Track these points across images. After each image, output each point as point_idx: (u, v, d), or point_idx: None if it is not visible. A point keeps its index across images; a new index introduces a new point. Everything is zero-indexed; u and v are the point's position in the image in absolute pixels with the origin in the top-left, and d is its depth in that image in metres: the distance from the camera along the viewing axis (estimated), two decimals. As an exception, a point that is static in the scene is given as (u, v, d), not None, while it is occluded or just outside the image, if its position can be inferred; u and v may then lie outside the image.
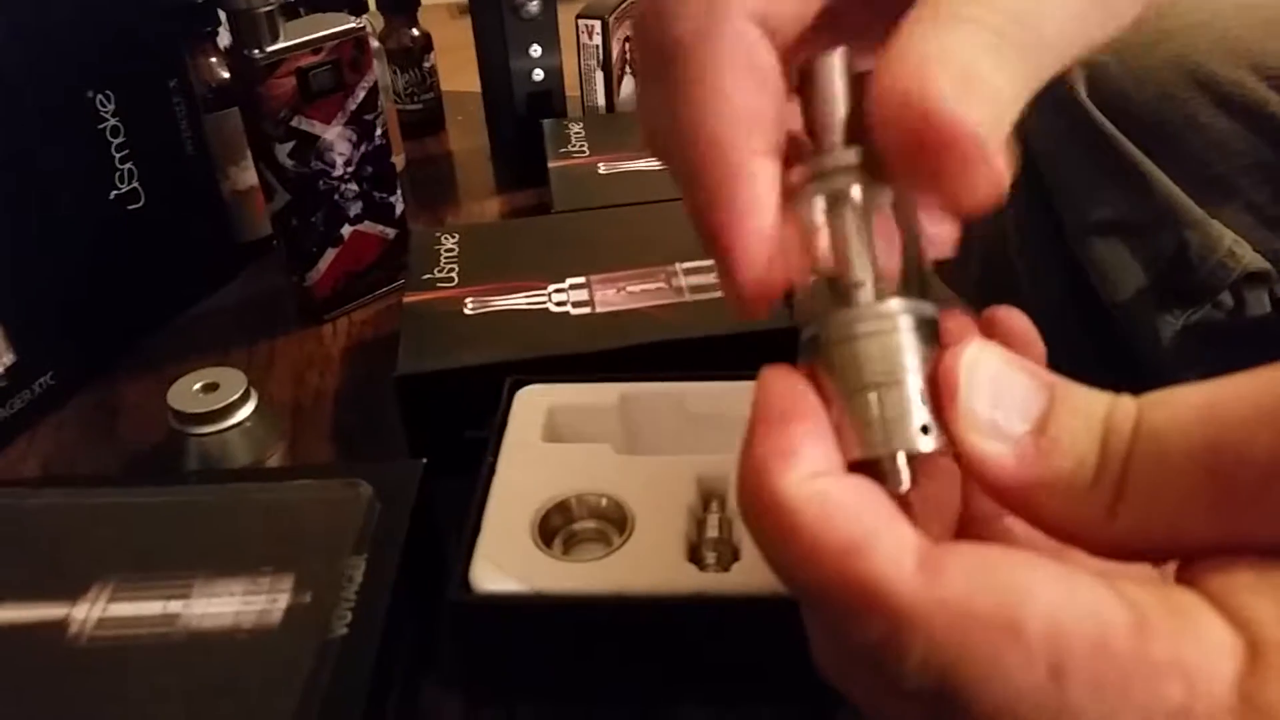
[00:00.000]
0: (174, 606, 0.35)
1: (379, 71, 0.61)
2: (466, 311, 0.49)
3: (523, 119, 0.73)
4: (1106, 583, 0.17)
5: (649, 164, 0.66)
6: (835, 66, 0.21)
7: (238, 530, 0.38)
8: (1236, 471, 0.17)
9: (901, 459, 0.20)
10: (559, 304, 0.49)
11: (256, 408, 0.50)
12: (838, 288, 0.21)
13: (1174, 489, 0.18)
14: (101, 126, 0.55)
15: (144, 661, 0.33)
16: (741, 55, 0.21)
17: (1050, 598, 0.17)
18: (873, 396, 0.20)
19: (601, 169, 0.67)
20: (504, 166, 0.78)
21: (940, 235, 0.23)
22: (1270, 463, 0.17)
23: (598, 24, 0.72)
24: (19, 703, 0.33)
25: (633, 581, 0.34)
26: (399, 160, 0.75)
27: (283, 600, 0.35)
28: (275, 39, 0.52)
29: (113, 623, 0.34)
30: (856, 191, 0.21)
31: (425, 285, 0.52)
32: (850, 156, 0.21)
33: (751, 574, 0.34)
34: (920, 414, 0.20)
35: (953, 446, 0.20)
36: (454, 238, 0.56)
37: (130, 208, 0.58)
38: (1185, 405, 0.18)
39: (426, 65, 0.80)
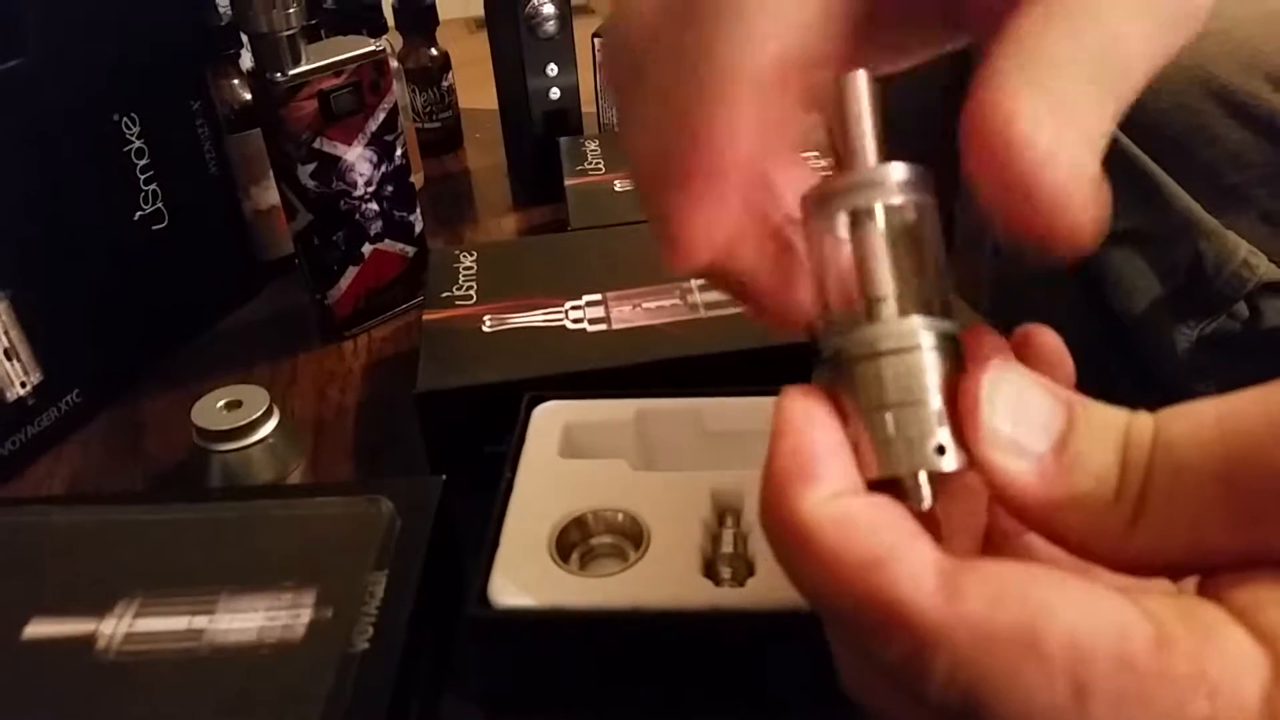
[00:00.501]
0: (199, 622, 0.35)
1: (398, 91, 0.62)
2: (485, 329, 0.50)
3: (540, 137, 0.74)
4: (1128, 597, 0.18)
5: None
6: (859, 85, 0.22)
7: (261, 546, 0.39)
8: (1255, 484, 0.18)
9: (924, 477, 0.20)
10: (575, 321, 0.50)
11: (279, 424, 0.50)
12: (860, 304, 0.21)
13: (1193, 502, 0.18)
14: (126, 149, 0.57)
15: (170, 676, 0.34)
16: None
17: (1072, 614, 0.17)
18: (894, 415, 0.20)
19: (617, 186, 0.67)
20: (521, 184, 0.79)
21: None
22: None
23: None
24: (49, 717, 0.33)
25: (649, 596, 0.34)
26: (418, 178, 0.76)
27: (305, 615, 0.35)
28: (297, 62, 0.53)
29: (139, 638, 0.35)
30: (880, 209, 0.21)
31: (444, 303, 0.52)
32: (874, 174, 0.21)
33: (766, 589, 0.34)
34: (941, 433, 0.20)
35: (974, 465, 0.20)
36: (472, 256, 0.56)
37: (154, 228, 0.59)
38: (1202, 419, 0.19)
39: (445, 85, 0.81)
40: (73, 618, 0.36)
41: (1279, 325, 0.69)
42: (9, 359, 0.52)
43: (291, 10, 0.52)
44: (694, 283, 0.52)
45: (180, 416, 0.53)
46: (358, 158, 0.57)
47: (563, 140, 0.73)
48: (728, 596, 0.34)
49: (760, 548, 0.36)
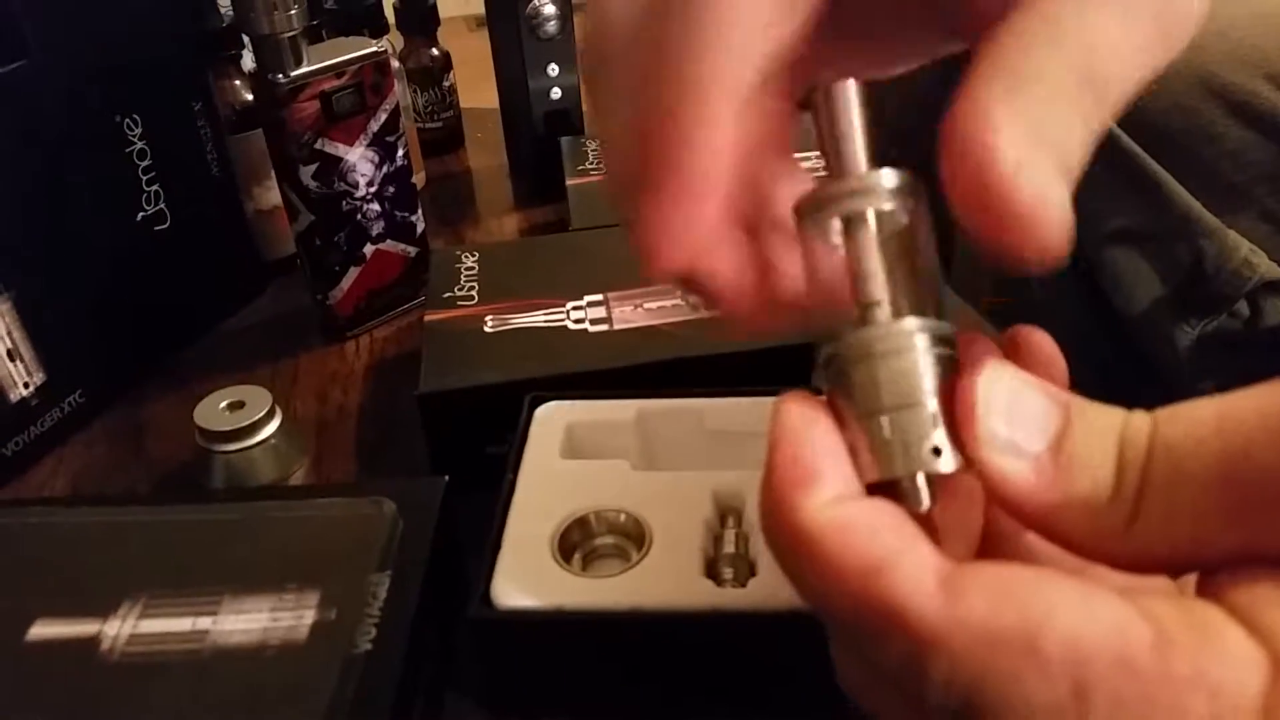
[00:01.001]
0: (203, 623, 0.36)
1: (399, 92, 0.62)
2: (487, 329, 0.50)
3: (541, 137, 0.74)
4: (1128, 599, 0.18)
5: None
6: (848, 93, 0.22)
7: (264, 547, 0.39)
8: (1252, 482, 0.18)
9: (921, 480, 0.20)
10: (577, 321, 0.50)
11: (281, 425, 0.51)
12: (854, 309, 0.21)
13: (1190, 501, 0.18)
14: (129, 150, 0.57)
15: (174, 677, 0.34)
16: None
17: (1071, 615, 0.17)
18: (891, 418, 0.20)
19: (618, 185, 0.67)
20: (522, 183, 0.79)
21: None
22: None
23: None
24: (54, 717, 0.33)
25: (650, 597, 0.35)
26: (419, 178, 0.77)
27: (309, 616, 0.35)
28: (299, 63, 0.53)
29: (144, 639, 0.35)
30: (872, 213, 0.21)
31: (446, 304, 0.52)
32: (866, 180, 0.21)
33: (768, 589, 0.34)
34: (938, 435, 0.20)
35: (971, 466, 0.20)
36: (474, 256, 0.56)
37: (157, 229, 0.59)
38: (1199, 418, 0.19)
39: (446, 84, 0.81)
40: (77, 619, 0.36)
41: (1278, 324, 0.69)
42: (12, 360, 0.52)
43: (293, 12, 0.52)
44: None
45: (182, 417, 0.53)
46: (359, 158, 0.57)
47: (564, 140, 0.73)
48: (729, 597, 0.35)
49: (762, 548, 0.36)
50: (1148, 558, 0.19)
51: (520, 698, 0.38)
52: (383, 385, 0.59)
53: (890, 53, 0.26)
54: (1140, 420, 0.19)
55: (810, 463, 0.20)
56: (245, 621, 0.35)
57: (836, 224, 0.22)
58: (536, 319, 0.51)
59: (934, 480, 0.20)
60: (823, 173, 0.22)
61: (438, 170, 0.83)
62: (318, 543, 0.39)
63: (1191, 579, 0.20)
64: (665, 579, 0.35)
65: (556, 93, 0.73)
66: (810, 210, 0.22)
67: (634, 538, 0.38)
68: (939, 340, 0.21)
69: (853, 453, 0.20)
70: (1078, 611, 0.17)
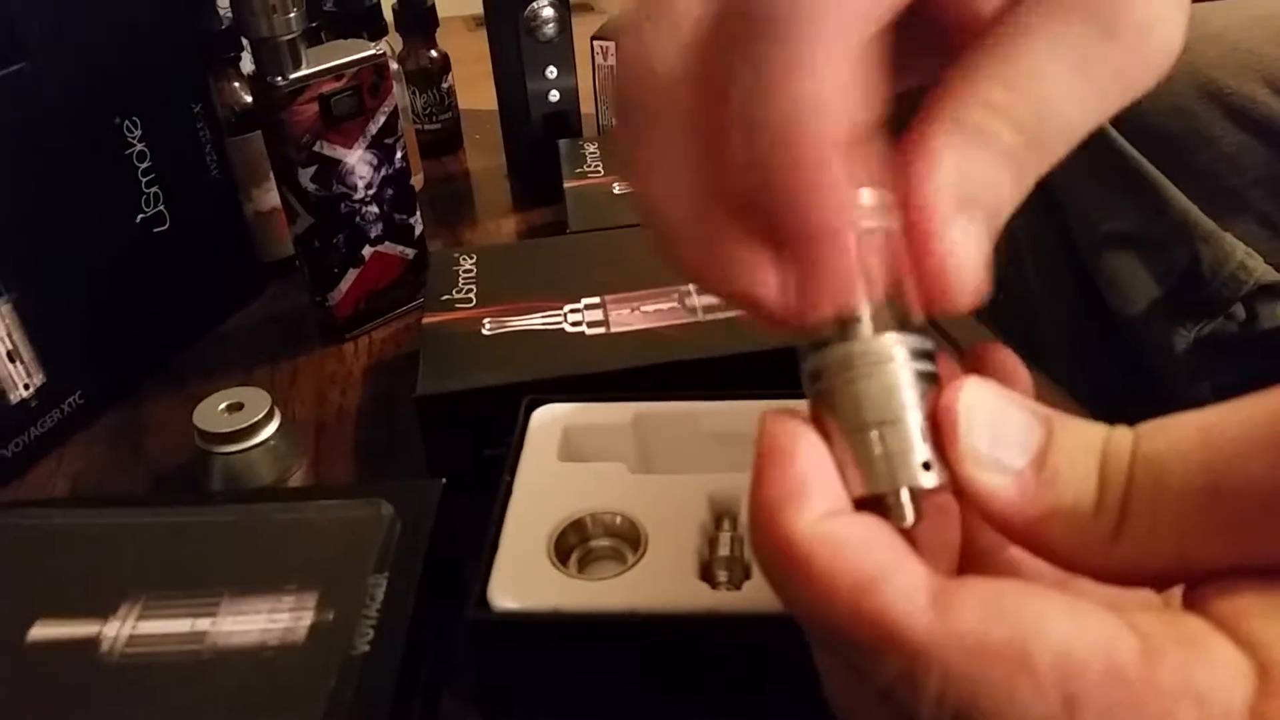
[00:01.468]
0: (202, 624, 0.36)
1: (398, 93, 0.62)
2: (484, 332, 0.50)
3: (539, 139, 0.74)
4: (1116, 612, 0.18)
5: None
6: None
7: (263, 549, 0.39)
8: (1236, 495, 0.18)
9: (905, 495, 0.20)
10: (574, 324, 0.50)
11: (280, 426, 0.51)
12: (835, 325, 0.21)
13: (1174, 514, 0.18)
14: (128, 152, 0.57)
15: (174, 678, 0.34)
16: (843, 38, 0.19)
17: (1061, 629, 0.18)
18: (875, 434, 0.20)
19: (616, 189, 0.68)
20: (521, 185, 0.79)
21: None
22: (1270, 486, 0.17)
23: (612, 45, 0.73)
24: (54, 718, 0.34)
25: (646, 599, 0.35)
26: (417, 180, 0.77)
27: (307, 618, 0.36)
28: (298, 66, 0.54)
29: (143, 640, 0.35)
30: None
31: (444, 306, 0.53)
32: None
33: (763, 592, 0.34)
34: (922, 450, 0.20)
35: (955, 481, 0.20)
36: (471, 259, 0.57)
37: (156, 230, 0.59)
38: (1182, 433, 0.19)
39: (445, 86, 0.82)
40: (77, 620, 0.36)
41: (1275, 327, 0.70)
42: (12, 361, 0.53)
43: (292, 15, 0.52)
44: (692, 285, 0.52)
45: (181, 418, 0.53)
46: (358, 161, 0.58)
47: (562, 142, 0.73)
48: (724, 599, 0.35)
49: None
50: (1133, 570, 0.19)
51: (517, 699, 0.38)
52: (381, 387, 0.59)
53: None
54: (1122, 435, 0.19)
55: (798, 478, 0.20)
56: (244, 623, 0.36)
57: None
58: (534, 322, 0.51)
59: (918, 496, 0.20)
60: None
61: (436, 172, 0.83)
62: (316, 544, 0.39)
63: (1178, 591, 0.20)
64: (661, 581, 0.36)
65: (555, 95, 0.73)
66: None
67: (630, 540, 0.38)
68: (920, 355, 0.21)
69: (839, 467, 0.21)
70: (1067, 624, 0.18)
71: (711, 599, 0.35)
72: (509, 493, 0.40)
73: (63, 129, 0.53)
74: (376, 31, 0.73)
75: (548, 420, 0.44)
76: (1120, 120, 0.72)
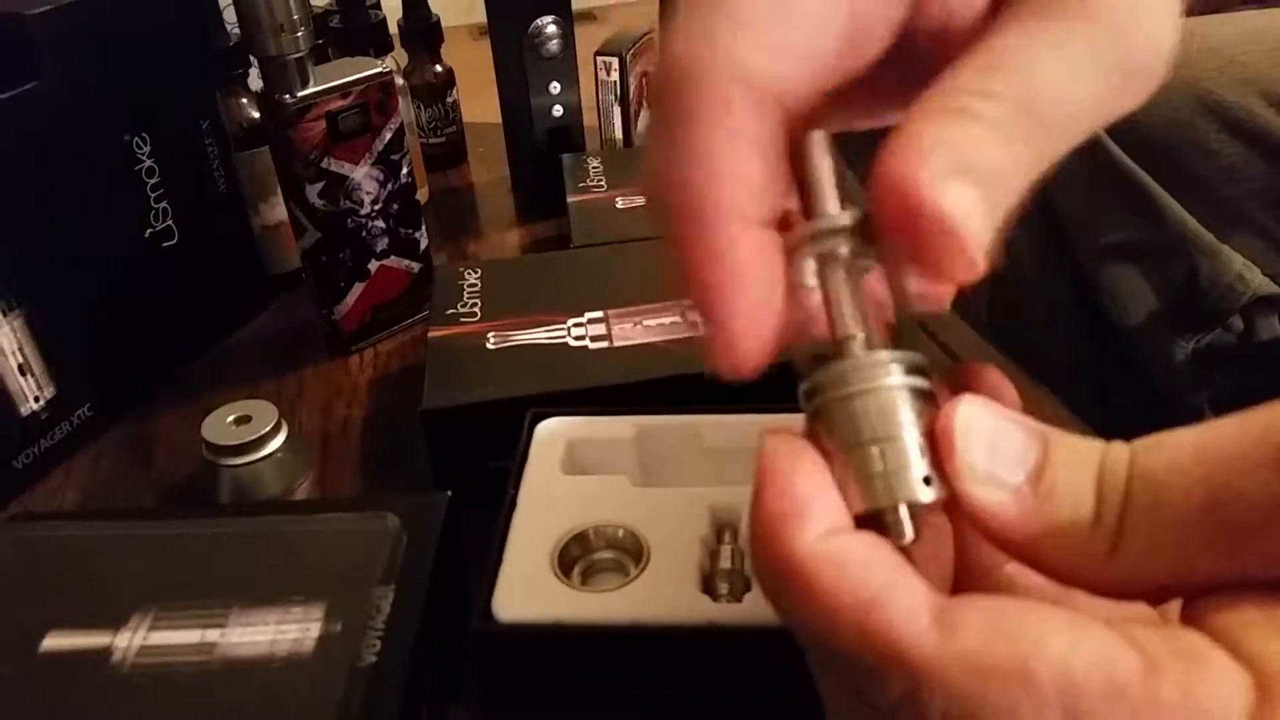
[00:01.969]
0: (211, 635, 0.36)
1: (403, 108, 0.63)
2: (489, 346, 0.51)
3: (543, 153, 0.75)
4: (1115, 628, 0.18)
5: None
6: (818, 139, 0.23)
7: (271, 561, 0.40)
8: (1233, 510, 0.18)
9: (904, 511, 0.20)
10: (578, 338, 0.51)
11: (287, 439, 0.51)
12: (831, 344, 0.22)
13: (1171, 529, 0.19)
14: (138, 168, 0.58)
15: (184, 688, 0.35)
16: (730, 120, 0.21)
17: (1062, 646, 0.18)
18: (873, 450, 0.21)
19: (619, 204, 0.68)
20: (524, 198, 0.80)
21: (934, 294, 0.24)
22: (1267, 501, 0.18)
23: (615, 60, 0.74)
24: (67, 728, 0.34)
25: (648, 611, 0.35)
26: (422, 193, 0.78)
27: (315, 629, 0.36)
28: (305, 84, 0.55)
29: (154, 650, 0.36)
30: (845, 250, 0.22)
31: (449, 320, 0.53)
32: (838, 219, 0.22)
33: (763, 605, 0.35)
34: (919, 466, 0.20)
35: (953, 497, 0.20)
36: (476, 273, 0.57)
37: (165, 245, 0.60)
38: (1179, 448, 0.19)
39: (449, 100, 0.82)
40: (89, 631, 0.37)
41: (1272, 338, 0.70)
42: (23, 374, 0.53)
43: (300, 34, 0.53)
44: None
45: (189, 430, 0.54)
46: (364, 176, 0.58)
47: (565, 157, 0.74)
48: (725, 611, 0.35)
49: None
50: (1131, 585, 0.20)
51: (521, 709, 0.38)
52: (386, 399, 0.60)
53: (866, 107, 0.27)
54: (1119, 451, 0.20)
55: (799, 497, 0.20)
56: (253, 634, 0.36)
57: (810, 264, 0.23)
58: (538, 336, 0.52)
59: (917, 512, 0.21)
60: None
61: (440, 185, 0.84)
62: (323, 557, 0.40)
63: (1174, 605, 0.20)
64: (662, 594, 0.36)
65: (558, 110, 0.74)
66: (788, 252, 0.23)
67: (632, 553, 0.39)
68: (914, 371, 0.21)
69: (838, 484, 0.21)
70: (1069, 641, 0.18)
71: (712, 611, 0.35)
72: (513, 506, 0.40)
73: (75, 145, 0.54)
74: (382, 47, 0.74)
75: (551, 434, 0.44)
76: (1119, 133, 0.72)
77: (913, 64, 0.24)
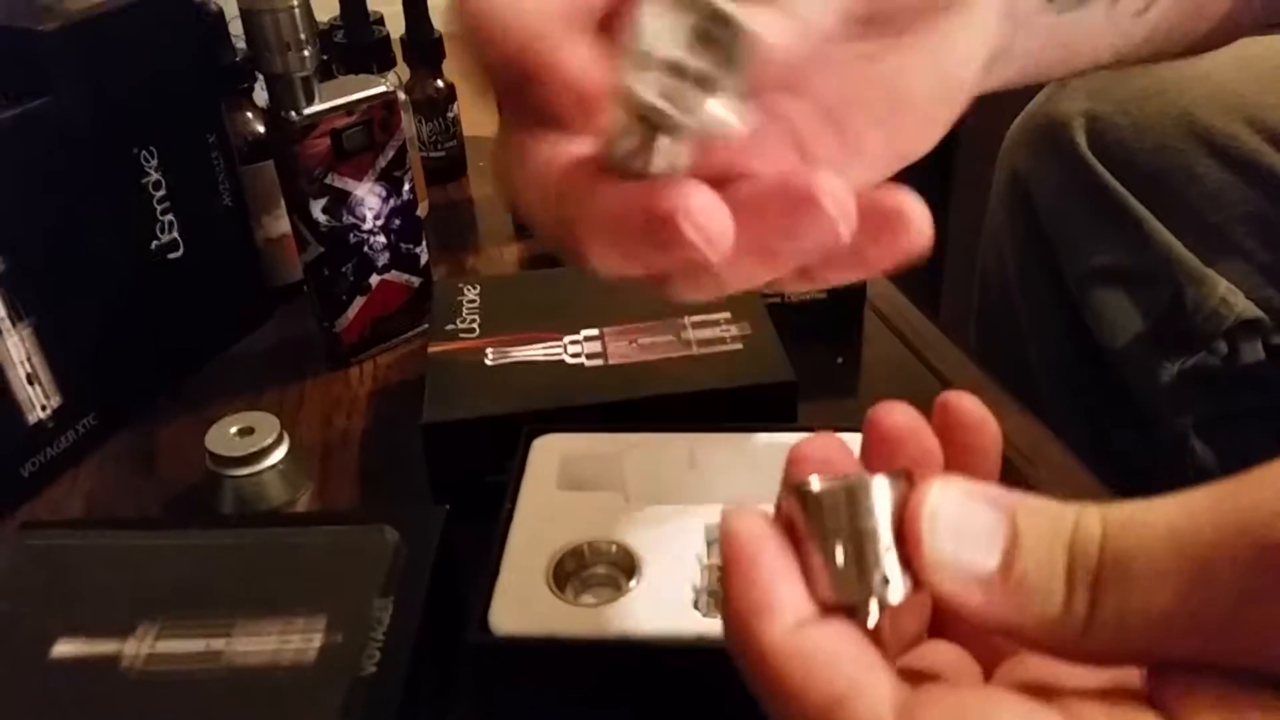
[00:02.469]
0: (217, 644, 0.38)
1: (405, 123, 0.64)
2: (487, 362, 0.52)
3: (542, 169, 0.76)
4: (1067, 714, 0.19)
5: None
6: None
7: (274, 572, 0.41)
8: (1205, 604, 0.18)
9: (873, 604, 0.21)
10: (574, 355, 0.52)
11: (289, 450, 0.53)
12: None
13: (1140, 616, 0.19)
14: (145, 181, 0.59)
15: (191, 695, 0.36)
16: None
17: None
18: (843, 544, 0.21)
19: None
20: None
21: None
22: (1238, 597, 0.18)
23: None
24: (76, 732, 0.35)
25: (641, 626, 0.37)
26: (422, 207, 0.79)
27: (317, 639, 0.37)
28: (311, 102, 0.56)
29: (161, 659, 0.37)
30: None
31: (448, 336, 0.55)
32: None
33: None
34: (889, 558, 0.21)
35: (921, 588, 0.21)
36: (475, 289, 0.59)
37: (170, 257, 0.61)
38: (1151, 530, 0.19)
39: (450, 115, 0.84)
40: (98, 638, 0.38)
41: (1256, 362, 0.71)
42: (30, 384, 0.54)
43: (306, 53, 0.54)
44: (687, 319, 0.54)
45: (192, 439, 0.55)
46: (367, 193, 0.60)
47: (564, 173, 0.75)
48: (716, 626, 0.36)
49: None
50: (1103, 658, 0.20)
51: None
52: (385, 411, 0.61)
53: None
54: (1090, 525, 0.20)
55: (767, 588, 0.21)
56: (257, 643, 0.37)
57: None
58: (535, 353, 0.53)
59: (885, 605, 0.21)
60: None
61: (440, 198, 0.85)
62: (324, 568, 0.41)
63: None
64: (655, 609, 0.37)
65: (558, 127, 0.75)
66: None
67: (625, 568, 0.40)
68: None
69: (806, 570, 0.21)
70: None
71: (703, 626, 0.37)
72: (509, 520, 0.42)
73: (84, 159, 0.55)
74: (385, 62, 0.75)
75: (547, 450, 0.45)
76: (1107, 157, 0.74)
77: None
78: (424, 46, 0.81)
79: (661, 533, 0.41)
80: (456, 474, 0.50)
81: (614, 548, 0.41)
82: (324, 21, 0.77)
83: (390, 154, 0.60)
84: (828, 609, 0.21)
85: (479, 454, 0.49)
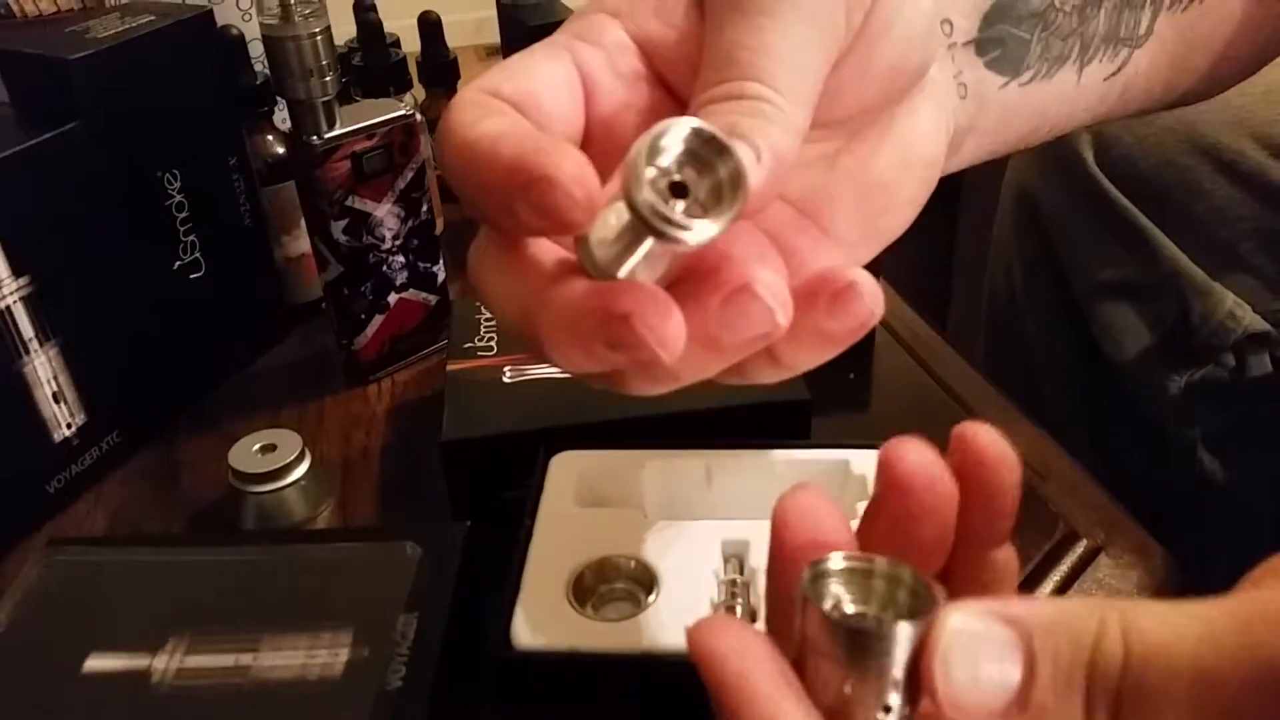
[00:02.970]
0: (245, 659, 0.38)
1: (422, 144, 0.65)
2: (505, 380, 0.53)
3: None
4: None
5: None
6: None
7: (300, 587, 0.42)
8: None
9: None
10: (591, 373, 0.53)
11: (310, 467, 0.54)
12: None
13: None
14: (168, 203, 0.60)
15: (220, 709, 0.37)
16: (467, 102, 0.26)
17: None
18: (854, 680, 0.22)
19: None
20: (536, 230, 0.82)
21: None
22: None
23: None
24: (110, 746, 0.36)
25: (660, 641, 0.37)
26: (438, 225, 0.80)
27: (343, 654, 0.38)
28: (332, 126, 0.57)
29: (190, 673, 0.38)
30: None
31: (467, 354, 0.56)
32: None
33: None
34: (893, 694, 0.21)
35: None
36: (493, 308, 0.59)
37: (192, 277, 0.62)
38: (1174, 666, 0.19)
39: (464, 134, 0.85)
40: (129, 653, 0.39)
41: (1263, 375, 0.72)
42: (56, 402, 0.56)
43: (328, 79, 0.56)
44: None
45: (213, 456, 0.56)
46: (386, 214, 0.61)
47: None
48: (733, 641, 0.37)
49: (764, 595, 0.39)
50: None
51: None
52: (403, 428, 0.62)
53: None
54: (1112, 645, 0.20)
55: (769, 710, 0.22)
56: (284, 658, 0.38)
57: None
58: (552, 370, 0.54)
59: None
60: None
61: (456, 216, 0.86)
62: (349, 584, 0.42)
63: None
64: (674, 624, 0.38)
65: (571, 147, 0.76)
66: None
67: (644, 584, 0.41)
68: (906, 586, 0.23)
69: (808, 677, 0.22)
70: None
71: (720, 641, 0.37)
72: (529, 536, 0.43)
73: (109, 182, 0.56)
74: (402, 85, 0.77)
75: (566, 466, 0.46)
76: (1114, 172, 0.74)
77: None
78: (439, 67, 0.82)
79: (679, 548, 0.41)
80: (475, 490, 0.51)
81: (633, 563, 0.41)
82: (341, 44, 0.78)
83: (409, 176, 0.61)
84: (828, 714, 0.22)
85: (498, 470, 0.50)
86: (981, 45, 0.35)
